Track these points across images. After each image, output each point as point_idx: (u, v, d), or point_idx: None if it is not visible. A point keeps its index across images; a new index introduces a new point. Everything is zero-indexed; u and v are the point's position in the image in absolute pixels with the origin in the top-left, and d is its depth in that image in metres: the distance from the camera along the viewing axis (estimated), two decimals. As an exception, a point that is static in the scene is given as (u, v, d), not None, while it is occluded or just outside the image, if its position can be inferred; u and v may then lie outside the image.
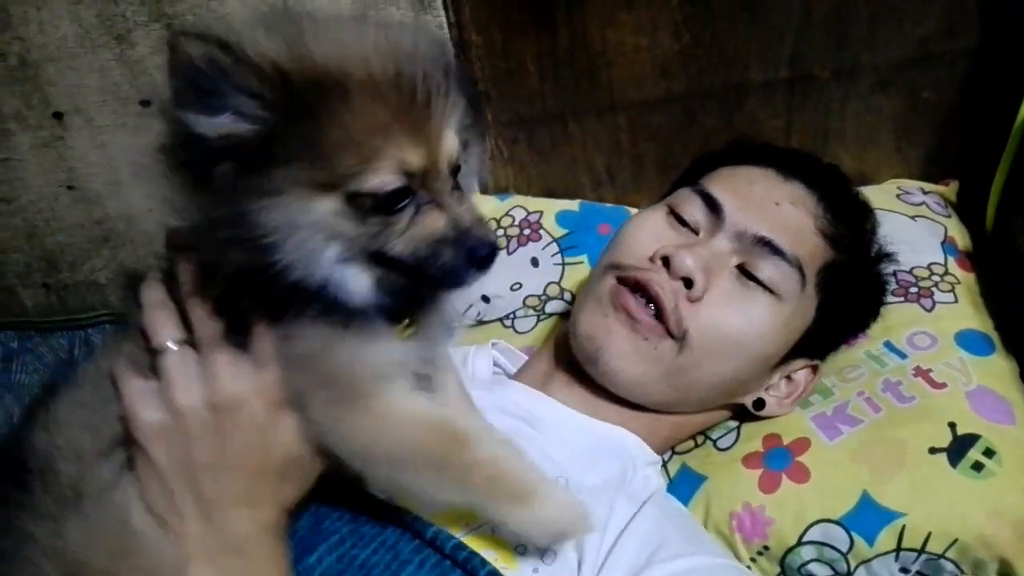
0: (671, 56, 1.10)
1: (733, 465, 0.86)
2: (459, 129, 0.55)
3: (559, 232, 1.16)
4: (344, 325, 0.56)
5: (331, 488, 0.66)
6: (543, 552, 0.68)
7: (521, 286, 1.14)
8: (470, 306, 1.16)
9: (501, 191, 1.25)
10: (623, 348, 0.82)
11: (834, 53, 1.08)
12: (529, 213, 1.18)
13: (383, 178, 0.51)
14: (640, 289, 0.82)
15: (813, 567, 0.79)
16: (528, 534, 0.61)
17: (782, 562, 0.80)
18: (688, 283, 0.81)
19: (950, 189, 1.15)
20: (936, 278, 1.00)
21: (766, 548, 0.80)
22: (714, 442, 0.91)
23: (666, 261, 0.82)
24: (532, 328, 1.11)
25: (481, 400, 0.85)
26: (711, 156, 0.97)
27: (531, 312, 1.13)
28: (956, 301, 0.97)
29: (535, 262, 1.15)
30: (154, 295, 0.61)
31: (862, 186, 1.01)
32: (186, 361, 0.58)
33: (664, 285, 0.81)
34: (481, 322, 1.15)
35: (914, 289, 0.99)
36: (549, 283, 1.13)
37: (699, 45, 1.08)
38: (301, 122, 0.49)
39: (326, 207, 0.51)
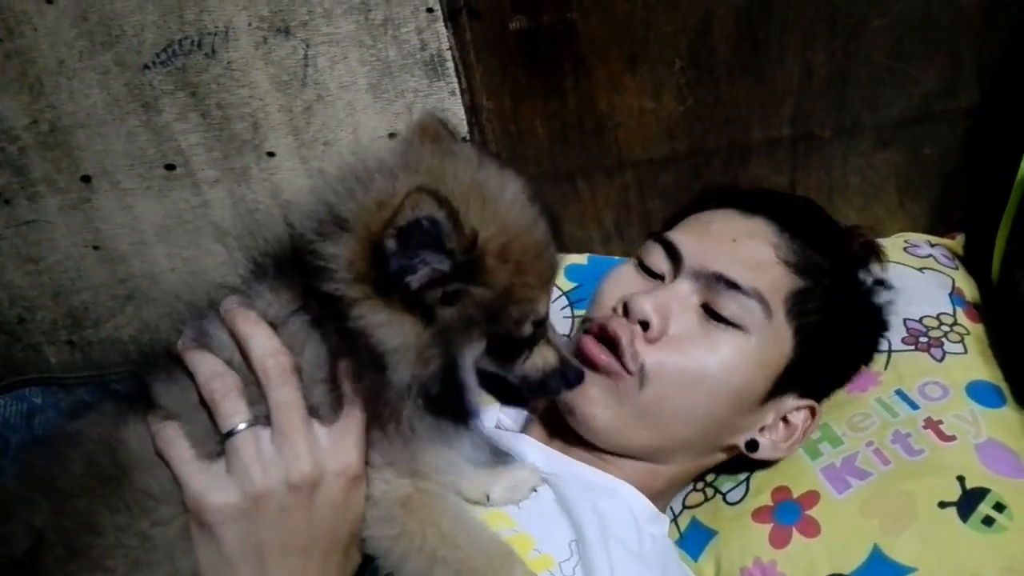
0: (676, 118, 1.13)
1: (743, 519, 0.86)
2: None
3: (568, 286, 1.17)
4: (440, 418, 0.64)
5: None
6: None
7: (532, 340, 1.15)
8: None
9: (512, 248, 1.28)
10: (591, 393, 0.83)
11: (835, 112, 1.11)
12: (540, 269, 1.20)
13: (525, 328, 0.63)
14: (602, 334, 0.85)
15: (826, 622, 0.78)
16: None
17: (794, 617, 0.79)
18: (645, 326, 0.83)
19: (956, 242, 1.16)
20: (946, 328, 1.01)
21: (778, 603, 0.80)
22: (723, 495, 0.91)
23: (625, 308, 0.85)
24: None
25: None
26: (683, 208, 0.99)
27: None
28: (966, 352, 0.97)
29: (546, 317, 1.16)
30: (210, 367, 0.59)
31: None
32: (259, 441, 0.57)
33: (622, 328, 0.83)
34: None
35: (924, 339, 0.99)
36: (561, 336, 1.14)
37: (703, 107, 1.11)
38: (474, 283, 0.58)
39: (479, 348, 0.62)
